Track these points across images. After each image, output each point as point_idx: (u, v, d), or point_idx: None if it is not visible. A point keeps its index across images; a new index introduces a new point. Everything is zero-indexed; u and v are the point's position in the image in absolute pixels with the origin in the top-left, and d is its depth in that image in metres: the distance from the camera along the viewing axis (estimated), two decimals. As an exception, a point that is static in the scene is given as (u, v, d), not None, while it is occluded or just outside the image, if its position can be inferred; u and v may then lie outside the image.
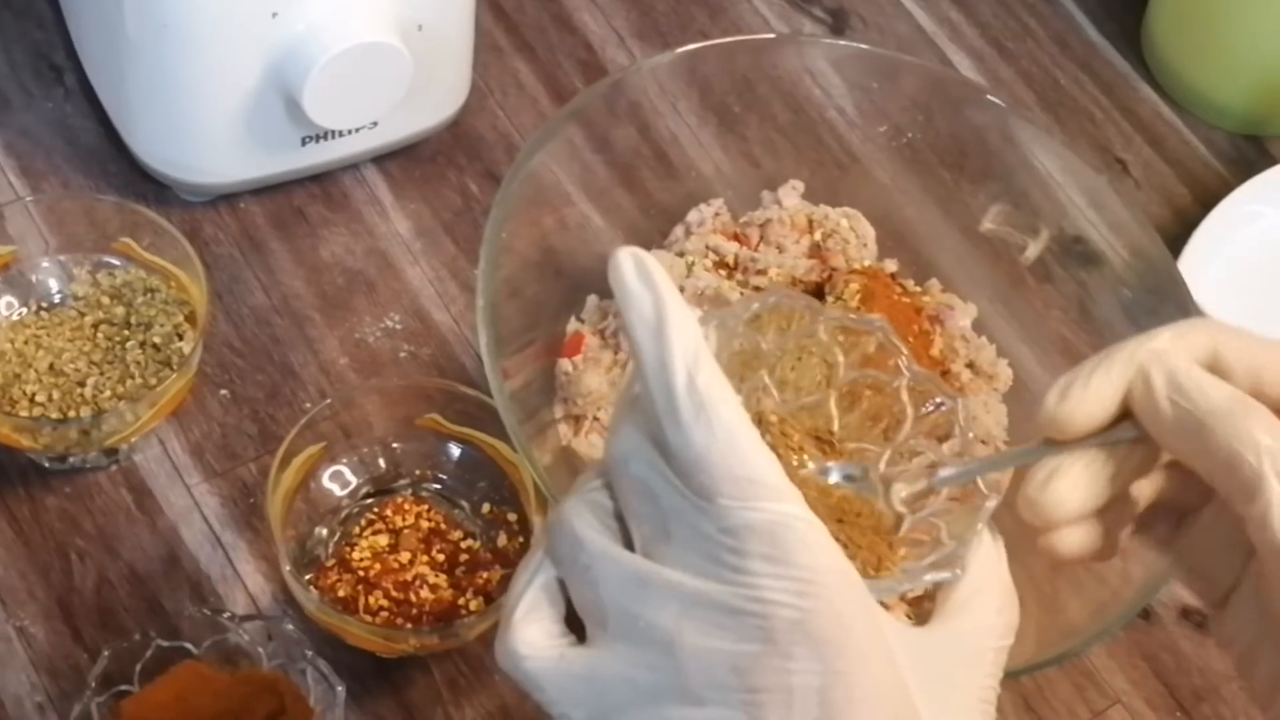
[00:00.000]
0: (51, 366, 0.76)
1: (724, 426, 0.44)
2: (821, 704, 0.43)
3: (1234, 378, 0.47)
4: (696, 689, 0.44)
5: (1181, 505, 0.51)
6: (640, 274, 0.46)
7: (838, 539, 0.49)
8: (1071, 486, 0.47)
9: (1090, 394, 0.47)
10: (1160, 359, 0.46)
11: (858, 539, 0.51)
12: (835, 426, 0.53)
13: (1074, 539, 0.48)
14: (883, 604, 0.48)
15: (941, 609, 0.50)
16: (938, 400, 0.54)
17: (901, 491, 0.52)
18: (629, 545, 0.47)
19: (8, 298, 0.78)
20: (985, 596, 0.50)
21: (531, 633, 0.47)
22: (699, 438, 0.44)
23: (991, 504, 0.52)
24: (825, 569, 0.44)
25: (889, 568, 0.51)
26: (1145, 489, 0.50)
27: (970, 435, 0.53)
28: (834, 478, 0.52)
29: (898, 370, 0.54)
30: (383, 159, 0.89)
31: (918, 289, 0.83)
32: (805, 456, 0.52)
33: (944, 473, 0.52)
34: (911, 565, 0.51)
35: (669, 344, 0.45)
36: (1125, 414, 0.47)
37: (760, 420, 0.52)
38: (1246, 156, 1.01)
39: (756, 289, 0.79)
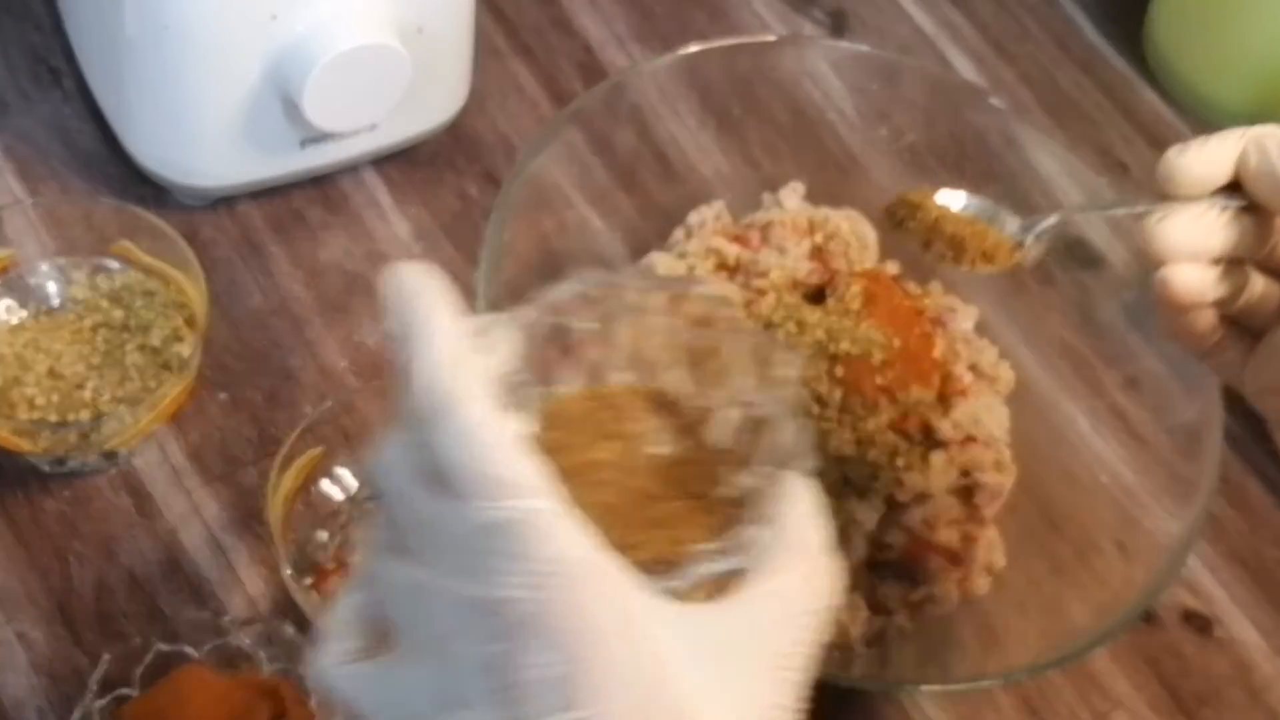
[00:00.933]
0: (50, 370, 0.76)
1: (470, 426, 0.44)
2: (565, 692, 0.43)
3: None
4: (466, 692, 0.45)
5: (1260, 320, 0.55)
6: (400, 283, 0.46)
7: (614, 527, 0.49)
8: (1187, 224, 0.53)
9: (1207, 150, 0.54)
10: (1271, 132, 0.53)
11: (661, 518, 0.51)
12: (687, 387, 0.53)
13: (1186, 274, 0.54)
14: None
15: (744, 579, 0.50)
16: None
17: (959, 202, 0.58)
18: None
19: (6, 301, 0.78)
20: (792, 564, 0.49)
21: (337, 649, 0.48)
22: (446, 439, 0.44)
23: (803, 471, 0.51)
24: (566, 560, 0.44)
25: (690, 550, 0.50)
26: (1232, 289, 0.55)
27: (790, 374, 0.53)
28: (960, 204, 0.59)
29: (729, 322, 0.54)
30: (382, 161, 0.89)
31: (919, 291, 0.83)
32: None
33: (1046, 220, 0.58)
34: (706, 547, 0.51)
35: (420, 350, 0.45)
36: (1235, 188, 0.54)
37: (598, 396, 0.52)
38: (1247, 158, 1.01)
39: (760, 291, 0.79)
